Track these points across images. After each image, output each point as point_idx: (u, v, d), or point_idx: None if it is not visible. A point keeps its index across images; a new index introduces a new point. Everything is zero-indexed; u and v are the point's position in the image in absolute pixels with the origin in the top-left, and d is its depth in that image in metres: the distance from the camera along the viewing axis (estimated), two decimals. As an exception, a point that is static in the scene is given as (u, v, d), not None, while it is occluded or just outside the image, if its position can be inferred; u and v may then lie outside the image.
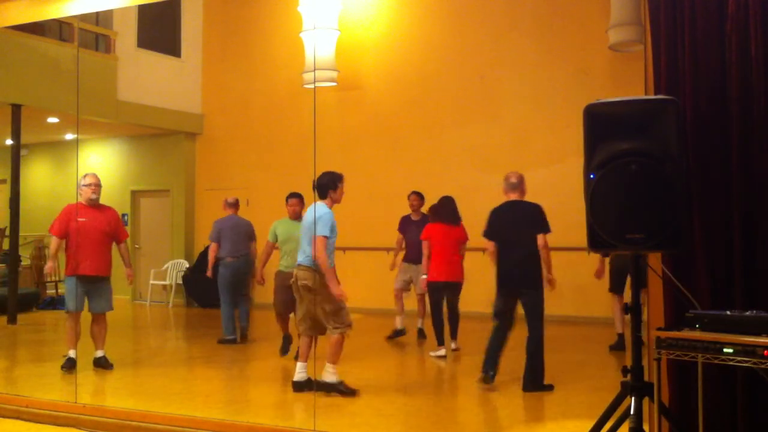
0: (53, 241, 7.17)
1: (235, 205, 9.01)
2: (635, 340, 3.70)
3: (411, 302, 8.91)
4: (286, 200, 7.87)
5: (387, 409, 5.75)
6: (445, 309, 7.82)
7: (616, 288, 7.76)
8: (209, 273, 8.79)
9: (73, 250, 7.00)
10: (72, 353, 7.06)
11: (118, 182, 13.21)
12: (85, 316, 7.18)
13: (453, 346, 7.86)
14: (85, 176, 7.18)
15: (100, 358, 7.16)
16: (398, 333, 8.84)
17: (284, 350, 7.85)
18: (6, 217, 10.75)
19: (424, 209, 8.67)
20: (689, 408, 3.80)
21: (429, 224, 7.92)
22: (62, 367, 6.98)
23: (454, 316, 7.83)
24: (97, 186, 7.12)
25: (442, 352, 7.73)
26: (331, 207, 5.95)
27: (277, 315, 7.83)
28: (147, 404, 5.74)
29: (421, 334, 8.79)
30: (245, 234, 8.80)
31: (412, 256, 8.65)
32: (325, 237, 5.80)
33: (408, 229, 8.75)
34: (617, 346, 7.73)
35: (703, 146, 3.85)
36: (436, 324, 7.81)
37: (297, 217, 7.70)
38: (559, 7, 10.26)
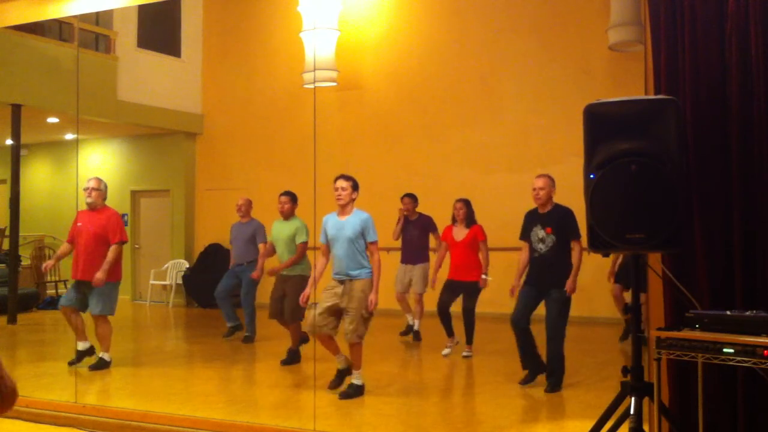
0: (63, 245, 7.45)
1: (240, 208, 8.74)
2: (636, 340, 3.70)
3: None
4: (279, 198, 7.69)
5: (387, 409, 5.75)
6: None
7: (622, 280, 7.86)
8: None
9: (74, 254, 7.16)
10: (80, 345, 7.14)
11: (118, 182, 13.18)
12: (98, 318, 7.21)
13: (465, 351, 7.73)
14: (87, 180, 7.23)
15: (98, 359, 7.16)
16: (411, 328, 8.80)
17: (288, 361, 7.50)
18: (6, 217, 10.75)
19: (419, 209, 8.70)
20: (689, 408, 3.80)
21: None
22: (69, 363, 7.05)
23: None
24: (94, 190, 7.09)
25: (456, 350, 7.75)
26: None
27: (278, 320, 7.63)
28: (147, 404, 5.74)
29: (416, 336, 8.76)
30: (250, 239, 8.61)
31: (409, 257, 8.64)
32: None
33: (405, 228, 8.69)
34: (626, 335, 7.85)
35: (703, 146, 3.86)
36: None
37: (287, 216, 7.60)
38: (559, 7, 10.26)
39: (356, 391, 6.01)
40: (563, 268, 6.11)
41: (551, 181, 6.19)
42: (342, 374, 6.20)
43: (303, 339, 7.48)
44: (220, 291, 8.85)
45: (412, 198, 8.68)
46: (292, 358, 7.49)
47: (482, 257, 7.63)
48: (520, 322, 6.21)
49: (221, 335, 9.00)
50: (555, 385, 6.11)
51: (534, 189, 6.18)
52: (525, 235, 6.30)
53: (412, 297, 8.73)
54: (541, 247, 6.14)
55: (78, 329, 7.17)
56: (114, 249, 7.02)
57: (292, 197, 7.62)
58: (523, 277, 6.37)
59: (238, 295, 8.86)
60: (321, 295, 6.06)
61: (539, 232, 6.15)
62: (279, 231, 7.61)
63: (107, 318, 7.15)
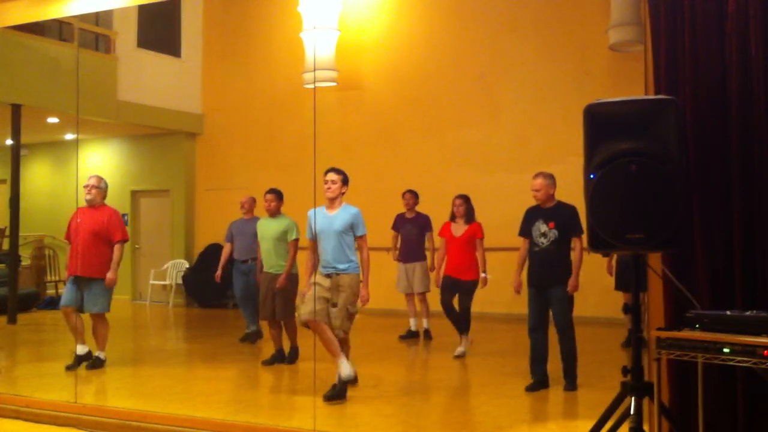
0: (68, 248, 7.34)
1: (243, 205, 8.78)
2: (636, 340, 3.70)
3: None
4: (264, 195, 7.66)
5: (387, 409, 5.74)
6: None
7: (621, 286, 7.81)
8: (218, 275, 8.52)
9: (72, 250, 7.11)
10: (78, 349, 7.10)
11: (118, 182, 13.16)
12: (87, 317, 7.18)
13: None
14: (88, 178, 7.21)
15: (93, 358, 7.12)
16: (412, 334, 8.80)
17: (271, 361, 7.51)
18: (6, 217, 10.74)
19: (419, 208, 8.71)
20: (689, 408, 3.80)
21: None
22: (66, 367, 7.01)
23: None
24: (93, 187, 7.10)
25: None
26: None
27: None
28: (147, 404, 5.74)
29: (427, 335, 8.75)
30: (254, 235, 8.68)
31: (407, 255, 8.63)
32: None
33: (403, 226, 8.72)
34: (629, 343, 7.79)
35: (703, 146, 3.86)
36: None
37: (273, 214, 7.57)
38: (559, 7, 10.25)
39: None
40: (563, 264, 6.13)
41: (548, 179, 6.19)
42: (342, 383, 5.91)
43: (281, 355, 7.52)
44: (245, 296, 8.70)
45: (413, 194, 8.70)
46: (293, 356, 7.51)
47: (479, 255, 7.61)
48: (538, 329, 6.20)
49: (221, 336, 9.00)
50: (573, 382, 6.13)
51: (532, 190, 6.21)
52: (525, 230, 6.28)
53: (416, 298, 8.73)
54: (543, 241, 6.14)
55: (77, 331, 7.14)
56: (119, 248, 7.06)
57: (278, 195, 7.61)
58: (524, 274, 6.35)
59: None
60: (308, 287, 5.94)
61: (541, 227, 6.15)
62: (266, 229, 7.59)
63: (105, 316, 7.14)
